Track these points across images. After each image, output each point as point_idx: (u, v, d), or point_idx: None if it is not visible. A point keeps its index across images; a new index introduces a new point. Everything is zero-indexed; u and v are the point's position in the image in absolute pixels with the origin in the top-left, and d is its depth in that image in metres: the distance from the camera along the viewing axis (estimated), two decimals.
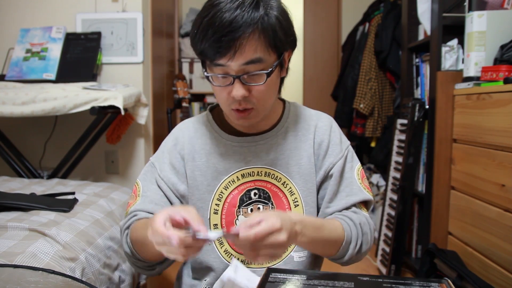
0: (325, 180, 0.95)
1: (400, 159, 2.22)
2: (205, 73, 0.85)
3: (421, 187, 2.13)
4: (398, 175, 2.21)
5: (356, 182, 0.95)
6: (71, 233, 1.20)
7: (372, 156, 2.92)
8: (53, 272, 0.79)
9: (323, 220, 0.89)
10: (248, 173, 0.93)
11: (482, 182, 1.58)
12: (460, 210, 1.76)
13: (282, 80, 0.93)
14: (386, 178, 2.44)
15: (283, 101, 1.01)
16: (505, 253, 1.43)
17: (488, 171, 1.54)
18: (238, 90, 0.80)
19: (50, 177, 1.96)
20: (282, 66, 0.87)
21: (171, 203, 0.94)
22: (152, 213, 0.90)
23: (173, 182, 0.93)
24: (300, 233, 0.75)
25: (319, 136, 0.95)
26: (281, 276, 0.73)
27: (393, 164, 2.33)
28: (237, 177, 0.93)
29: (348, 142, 0.99)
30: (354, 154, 1.00)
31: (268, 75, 0.81)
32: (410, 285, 0.69)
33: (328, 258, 0.92)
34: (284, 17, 0.82)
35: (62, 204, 1.40)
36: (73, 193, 1.58)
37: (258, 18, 0.77)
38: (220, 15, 0.76)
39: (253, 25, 0.76)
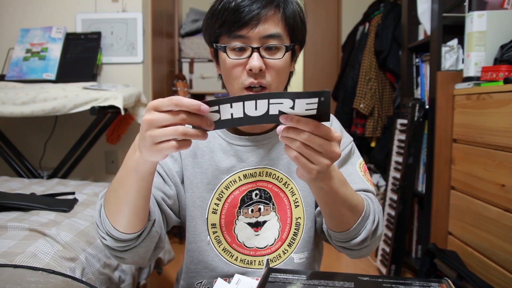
0: None
1: (400, 159, 2.22)
2: (218, 46, 0.84)
3: (421, 187, 2.13)
4: (398, 175, 2.21)
5: (359, 174, 0.93)
6: (71, 233, 1.20)
7: (372, 156, 2.92)
8: (53, 272, 0.79)
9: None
10: (250, 173, 0.92)
11: (482, 182, 1.58)
12: (460, 210, 1.76)
13: (289, 77, 0.94)
14: (386, 178, 2.44)
15: None
16: (505, 253, 1.43)
17: (488, 171, 1.54)
18: (256, 61, 0.80)
19: (50, 177, 1.96)
20: (293, 58, 0.89)
21: (162, 177, 0.90)
22: None
23: (170, 167, 0.91)
24: (330, 174, 0.69)
25: None
26: (281, 276, 0.73)
27: (393, 164, 2.33)
28: (238, 177, 0.92)
29: (351, 138, 0.98)
30: (357, 150, 0.98)
31: (287, 49, 0.83)
32: (410, 285, 0.69)
33: (340, 238, 0.81)
34: (301, 8, 0.87)
35: (62, 204, 1.40)
36: (73, 193, 1.58)
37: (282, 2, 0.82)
38: None
39: (275, 3, 0.81)
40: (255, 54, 0.81)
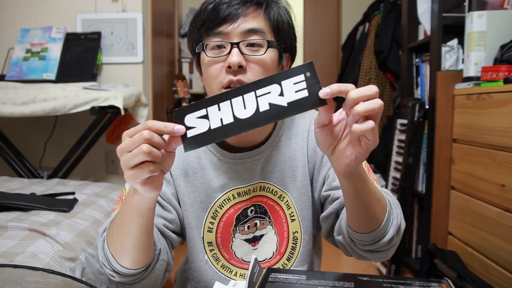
0: (325, 184, 0.88)
1: (400, 159, 2.22)
2: (198, 47, 0.81)
3: (421, 187, 2.13)
4: (398, 175, 2.21)
5: (365, 173, 0.89)
6: (71, 233, 1.20)
7: (372, 156, 2.92)
8: (53, 272, 0.78)
9: None
10: (244, 191, 0.88)
11: (482, 182, 1.58)
12: (460, 210, 1.76)
13: None
14: (386, 178, 2.44)
15: None
16: (505, 253, 1.43)
17: (488, 171, 1.54)
18: (235, 57, 0.75)
19: (50, 177, 1.96)
20: (281, 66, 0.84)
21: (161, 204, 0.88)
22: None
23: (164, 192, 0.88)
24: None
25: (313, 141, 0.89)
26: (281, 276, 0.73)
27: (393, 164, 2.33)
28: (232, 195, 0.88)
29: None
30: None
31: (270, 45, 0.78)
32: (410, 285, 0.69)
33: (369, 240, 0.75)
34: (288, 14, 0.83)
35: (62, 204, 1.40)
36: (73, 193, 1.58)
37: (263, 0, 0.79)
38: None
39: (257, 2, 0.79)
40: (235, 50, 0.76)
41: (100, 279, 1.19)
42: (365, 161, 0.91)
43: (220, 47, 0.78)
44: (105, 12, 2.18)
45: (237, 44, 0.77)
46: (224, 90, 0.77)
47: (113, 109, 1.76)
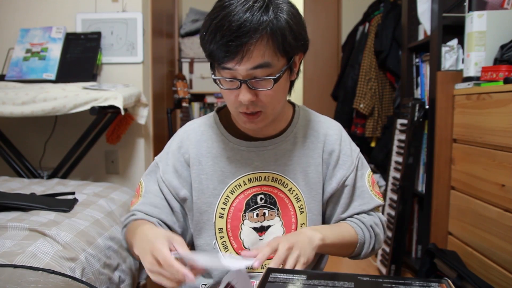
0: (337, 191, 0.96)
1: (400, 159, 2.22)
2: (213, 76, 0.83)
3: (421, 187, 2.13)
4: (398, 175, 2.21)
5: (368, 191, 0.96)
6: (71, 233, 1.20)
7: (372, 156, 2.92)
8: (53, 272, 0.79)
9: (337, 225, 0.95)
10: (255, 177, 0.92)
11: (482, 182, 1.58)
12: (460, 210, 1.76)
13: (292, 83, 0.91)
14: (386, 178, 2.44)
15: (293, 105, 1.00)
16: (505, 253, 1.43)
17: (488, 171, 1.54)
18: (245, 95, 0.79)
19: (50, 177, 1.96)
20: (291, 70, 0.85)
21: (171, 206, 0.94)
22: (150, 215, 0.92)
23: (174, 186, 0.93)
24: (322, 236, 0.84)
25: (329, 146, 0.95)
26: (281, 276, 0.73)
27: (393, 164, 2.33)
28: (243, 181, 0.92)
29: (358, 149, 0.99)
30: (364, 161, 1.00)
31: (276, 81, 0.80)
32: (410, 285, 0.69)
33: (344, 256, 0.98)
34: (294, 20, 0.80)
35: (62, 204, 1.40)
36: (73, 193, 1.58)
37: (267, 22, 0.75)
38: (229, 18, 0.74)
39: (261, 30, 0.75)
40: (243, 88, 0.79)
41: (100, 279, 1.19)
42: (370, 174, 0.99)
43: (231, 80, 0.80)
44: (105, 12, 2.18)
45: (245, 81, 0.79)
46: (241, 114, 0.85)
47: (113, 109, 1.76)
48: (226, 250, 0.92)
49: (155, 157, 0.98)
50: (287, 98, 0.97)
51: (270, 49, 0.77)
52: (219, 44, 0.76)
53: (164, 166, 0.95)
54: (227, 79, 0.80)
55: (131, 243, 0.86)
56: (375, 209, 0.98)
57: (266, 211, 0.92)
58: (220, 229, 0.92)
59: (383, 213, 2.36)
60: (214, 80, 0.83)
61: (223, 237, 0.93)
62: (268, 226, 0.93)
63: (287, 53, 0.80)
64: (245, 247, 0.93)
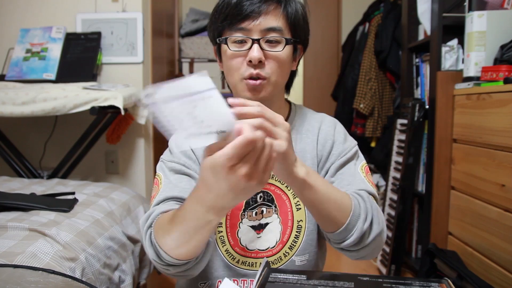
0: (329, 175, 0.91)
1: (400, 159, 2.22)
2: (220, 39, 0.87)
3: (421, 187, 2.13)
4: (398, 175, 2.21)
5: (360, 175, 0.91)
6: (71, 233, 1.20)
7: (372, 156, 2.92)
8: (53, 272, 0.79)
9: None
10: None
11: (482, 182, 1.58)
12: (460, 210, 1.76)
13: (291, 78, 0.95)
14: (386, 178, 2.44)
15: (289, 103, 1.01)
16: (505, 253, 1.43)
17: (488, 171, 1.54)
18: (256, 52, 0.82)
19: (50, 177, 1.96)
20: (294, 58, 0.91)
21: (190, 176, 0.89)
22: (179, 198, 0.84)
23: (184, 162, 0.90)
24: (308, 172, 0.72)
25: (323, 137, 0.95)
26: (281, 276, 0.73)
27: (393, 164, 2.33)
28: None
29: (355, 142, 0.97)
30: (360, 154, 0.97)
31: (287, 42, 0.85)
32: (410, 285, 0.69)
33: (334, 239, 0.80)
34: (304, 11, 0.89)
35: (62, 204, 1.40)
36: (73, 193, 1.58)
37: None
38: None
39: (278, 1, 0.84)
40: (255, 46, 0.83)
41: (100, 279, 1.19)
42: (365, 165, 0.95)
43: (242, 41, 0.85)
44: (105, 12, 2.18)
45: (258, 40, 0.83)
46: (245, 82, 0.85)
47: (113, 109, 1.76)
48: (223, 244, 0.92)
49: (161, 157, 0.96)
50: (285, 97, 1.00)
51: (283, 19, 0.85)
52: (237, 4, 0.83)
53: (170, 157, 0.92)
54: (239, 38, 0.84)
55: (174, 218, 0.72)
56: (369, 197, 0.88)
57: (264, 209, 0.92)
58: (220, 223, 0.92)
59: (383, 213, 2.36)
60: (225, 40, 0.85)
61: (221, 231, 0.92)
62: (266, 224, 0.93)
63: (295, 30, 0.87)
64: (241, 245, 0.92)
